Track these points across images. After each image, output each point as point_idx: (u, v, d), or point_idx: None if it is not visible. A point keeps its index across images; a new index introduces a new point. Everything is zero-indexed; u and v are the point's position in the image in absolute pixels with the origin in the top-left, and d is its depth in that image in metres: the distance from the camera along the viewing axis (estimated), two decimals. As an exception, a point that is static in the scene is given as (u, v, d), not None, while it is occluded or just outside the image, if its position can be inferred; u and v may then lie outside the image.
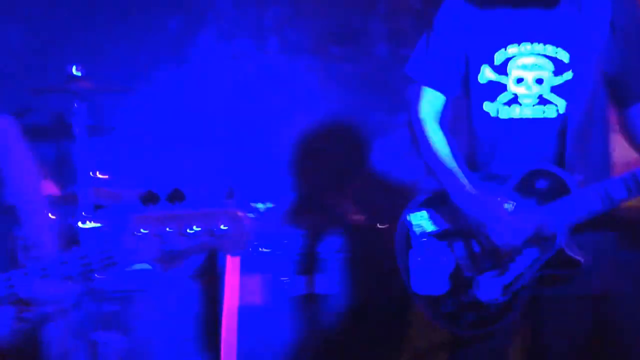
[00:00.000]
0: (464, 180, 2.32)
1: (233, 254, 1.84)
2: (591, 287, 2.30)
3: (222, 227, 1.79)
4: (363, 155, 4.02)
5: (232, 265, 3.32)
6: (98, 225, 3.11)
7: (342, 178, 4.00)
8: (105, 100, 3.56)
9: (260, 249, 3.49)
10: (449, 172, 2.35)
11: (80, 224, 3.12)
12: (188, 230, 1.80)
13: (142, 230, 1.81)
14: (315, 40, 4.05)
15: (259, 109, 3.98)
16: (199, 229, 1.80)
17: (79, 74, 3.24)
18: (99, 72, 3.37)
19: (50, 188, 3.09)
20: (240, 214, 1.80)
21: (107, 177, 3.40)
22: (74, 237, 3.11)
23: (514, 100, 2.33)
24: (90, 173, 3.30)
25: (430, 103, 2.45)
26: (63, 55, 3.50)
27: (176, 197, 1.91)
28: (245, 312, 3.41)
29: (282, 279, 3.50)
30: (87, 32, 3.73)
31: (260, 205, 3.81)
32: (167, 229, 1.80)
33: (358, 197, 3.92)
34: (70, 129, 3.25)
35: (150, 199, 1.94)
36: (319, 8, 4.04)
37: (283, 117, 3.99)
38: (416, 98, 2.46)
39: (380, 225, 3.50)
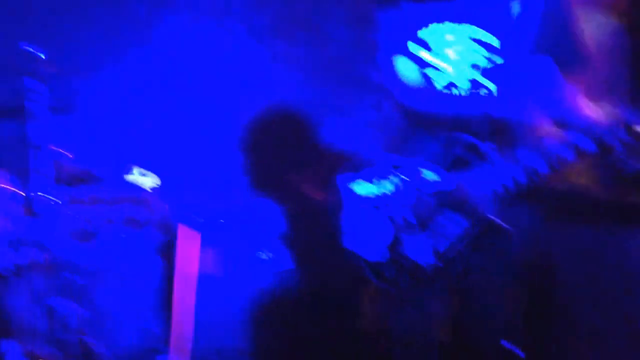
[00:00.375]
0: None
1: (147, 234, 1.99)
2: (519, 256, 2.48)
3: (137, 210, 1.93)
4: (326, 135, 4.13)
5: (188, 237, 3.46)
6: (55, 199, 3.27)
7: (304, 157, 4.11)
8: (71, 81, 3.66)
9: (220, 222, 3.63)
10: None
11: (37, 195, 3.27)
12: (101, 211, 1.93)
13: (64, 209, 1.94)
14: (280, 24, 4.16)
15: (225, 91, 4.10)
16: (111, 210, 1.94)
17: (41, 55, 3.36)
18: (65, 53, 3.47)
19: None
20: (154, 198, 1.93)
21: (69, 154, 3.51)
22: (31, 207, 3.25)
23: (447, 83, 2.51)
24: (54, 150, 3.44)
25: (407, 68, 2.60)
26: (25, 37, 3.60)
27: (92, 180, 2.05)
28: (204, 284, 3.55)
29: (244, 251, 3.65)
30: (52, 13, 3.84)
31: (224, 185, 3.95)
32: (86, 209, 1.94)
33: (319, 176, 4.02)
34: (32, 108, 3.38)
35: (72, 180, 2.08)
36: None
37: (246, 98, 4.11)
38: (393, 72, 2.64)
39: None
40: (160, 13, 4.05)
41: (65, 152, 3.45)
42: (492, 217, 2.35)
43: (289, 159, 4.09)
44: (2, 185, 3.12)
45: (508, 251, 2.40)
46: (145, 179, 2.96)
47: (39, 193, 3.15)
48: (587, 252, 3.11)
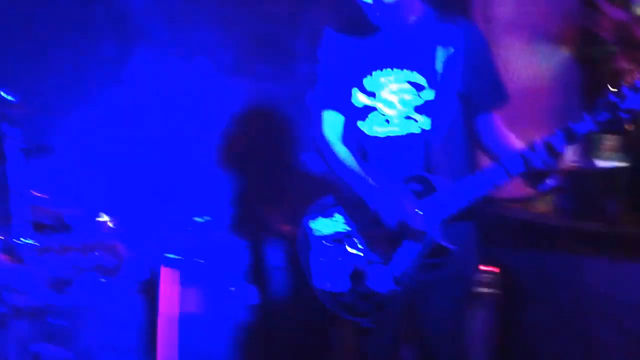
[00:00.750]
0: (366, 177, 2.67)
1: (110, 278, 2.05)
2: (460, 270, 2.68)
3: (99, 255, 2.02)
4: (292, 169, 4.25)
5: (169, 277, 3.53)
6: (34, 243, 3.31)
7: (274, 191, 4.22)
8: (43, 122, 3.68)
9: (199, 261, 3.70)
10: (353, 172, 2.70)
11: (19, 241, 3.31)
12: (71, 259, 2.01)
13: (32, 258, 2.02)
14: (243, 60, 4.28)
15: (193, 126, 4.19)
16: (81, 258, 2.02)
17: (10, 98, 3.40)
18: (36, 95, 3.50)
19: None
20: (117, 244, 2.02)
21: (45, 196, 3.55)
22: (14, 253, 3.28)
23: (384, 120, 2.69)
24: (32, 192, 3.47)
25: (332, 124, 2.79)
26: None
27: (62, 227, 2.13)
28: (184, 322, 3.61)
29: (224, 289, 3.72)
30: (22, 55, 3.86)
31: (198, 219, 4.02)
32: (54, 257, 2.02)
33: (288, 208, 4.13)
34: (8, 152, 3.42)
35: (38, 229, 2.15)
36: (246, 30, 4.27)
37: (215, 134, 4.21)
38: (319, 123, 2.80)
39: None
40: (129, 52, 4.12)
41: (42, 195, 3.50)
42: (439, 240, 2.54)
43: (258, 196, 4.20)
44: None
45: (454, 269, 2.60)
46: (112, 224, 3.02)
47: (20, 238, 3.20)
48: (545, 274, 3.32)
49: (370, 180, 2.64)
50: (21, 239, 3.22)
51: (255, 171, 4.22)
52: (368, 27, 2.71)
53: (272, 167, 4.23)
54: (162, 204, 4.03)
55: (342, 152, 2.75)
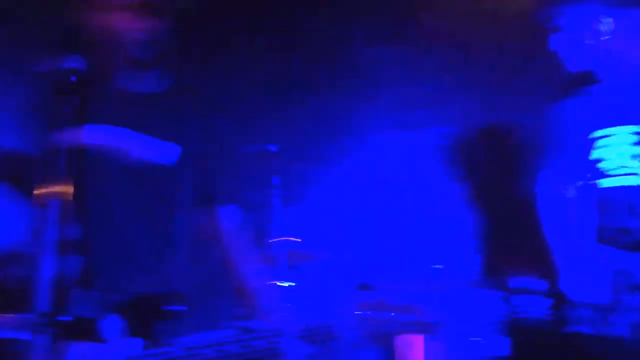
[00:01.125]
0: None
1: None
2: None
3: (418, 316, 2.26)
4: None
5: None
6: (293, 284, 3.67)
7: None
8: (298, 172, 4.05)
9: (446, 312, 3.84)
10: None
11: (279, 283, 3.60)
12: (393, 317, 2.27)
13: (357, 313, 2.30)
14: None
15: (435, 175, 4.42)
16: (404, 316, 2.28)
17: (273, 149, 3.80)
18: (291, 146, 3.91)
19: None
20: (421, 307, 2.26)
21: (299, 240, 3.83)
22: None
23: (607, 172, 2.79)
24: (286, 237, 3.73)
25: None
26: (259, 135, 4.05)
27: (368, 286, 2.37)
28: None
29: (473, 340, 3.69)
30: (280, 112, 4.34)
31: (438, 266, 4.18)
32: (379, 314, 2.30)
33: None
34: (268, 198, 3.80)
35: (363, 287, 2.43)
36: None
37: (455, 181, 4.38)
38: (557, 186, 2.95)
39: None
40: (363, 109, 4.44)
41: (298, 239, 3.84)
42: None
43: (508, 246, 4.29)
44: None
45: None
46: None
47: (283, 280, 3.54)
48: None
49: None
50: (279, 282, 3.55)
51: (502, 219, 4.30)
52: (590, 80, 2.82)
53: (519, 215, 4.32)
54: (404, 251, 4.26)
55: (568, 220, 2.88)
